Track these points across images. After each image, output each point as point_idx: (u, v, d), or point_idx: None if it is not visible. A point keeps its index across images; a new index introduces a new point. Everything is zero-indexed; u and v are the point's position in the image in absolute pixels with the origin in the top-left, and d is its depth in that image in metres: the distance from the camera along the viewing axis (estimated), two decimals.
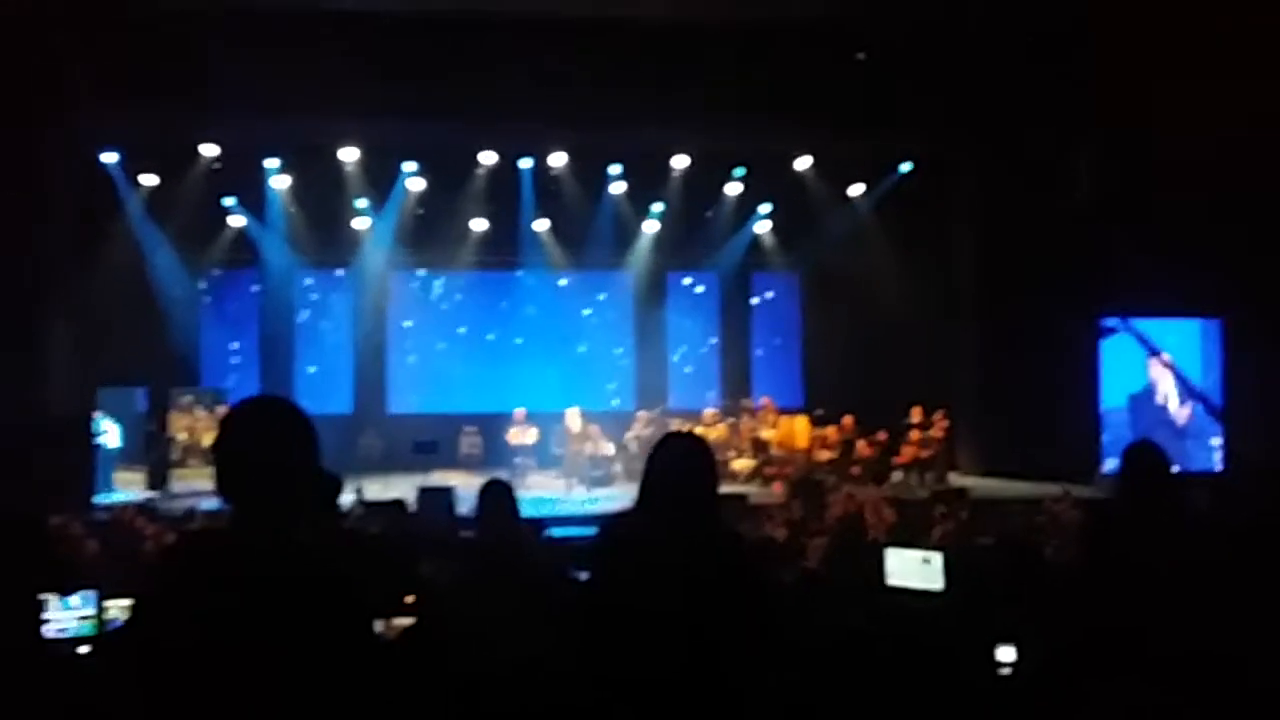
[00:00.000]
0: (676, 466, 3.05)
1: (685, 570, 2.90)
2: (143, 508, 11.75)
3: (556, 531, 7.87)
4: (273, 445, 2.33)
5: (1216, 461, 15.28)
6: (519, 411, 16.38)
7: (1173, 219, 13.68)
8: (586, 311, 19.59)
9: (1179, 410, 15.55)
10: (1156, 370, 15.58)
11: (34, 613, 4.78)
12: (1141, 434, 14.92)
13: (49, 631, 5.40)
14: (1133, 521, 3.96)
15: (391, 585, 5.79)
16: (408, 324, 19.27)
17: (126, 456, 16.11)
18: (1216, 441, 15.45)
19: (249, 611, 2.17)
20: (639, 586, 2.92)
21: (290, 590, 2.22)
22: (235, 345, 18.51)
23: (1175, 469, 4.24)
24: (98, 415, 14.92)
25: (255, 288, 18.57)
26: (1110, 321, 15.30)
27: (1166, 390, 15.62)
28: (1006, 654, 5.39)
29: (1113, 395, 15.59)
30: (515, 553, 4.66)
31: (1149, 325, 15.58)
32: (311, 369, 18.67)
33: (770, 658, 3.08)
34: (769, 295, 20.22)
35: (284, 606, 2.20)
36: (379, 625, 5.03)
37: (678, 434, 3.26)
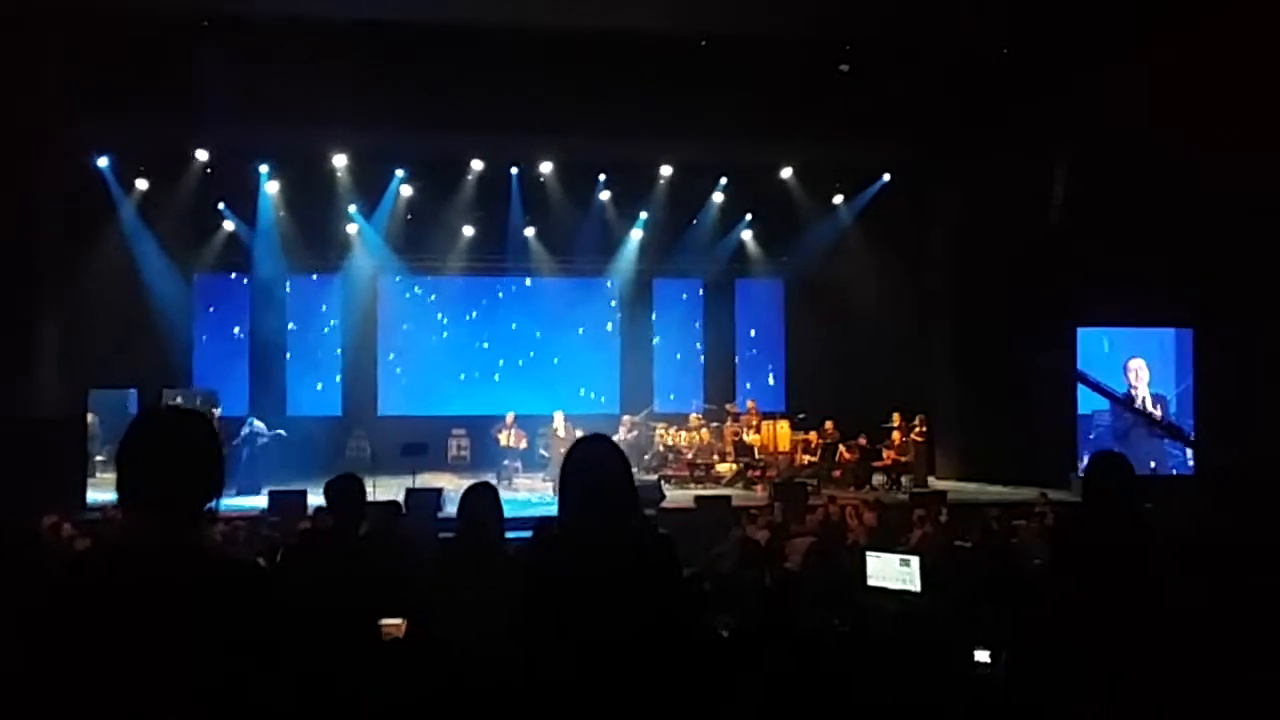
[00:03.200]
0: (587, 468, 3.13)
1: (604, 568, 2.98)
2: None
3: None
4: (178, 456, 2.34)
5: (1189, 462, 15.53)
6: (510, 415, 16.60)
7: (1145, 229, 13.90)
8: (573, 316, 19.76)
9: (1154, 412, 15.80)
10: (1134, 374, 15.82)
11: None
12: (1122, 436, 15.20)
13: None
14: (1094, 528, 4.08)
15: (382, 585, 5.93)
16: (397, 328, 19.42)
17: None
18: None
19: (143, 617, 2.18)
20: (565, 588, 3.00)
21: (181, 593, 2.23)
22: (227, 347, 18.62)
23: (1140, 473, 4.34)
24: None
25: (246, 290, 18.70)
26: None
27: (1144, 394, 15.87)
28: (982, 655, 5.57)
29: (1095, 398, 15.81)
30: (493, 555, 4.68)
31: (1122, 334, 15.85)
32: (301, 372, 18.79)
33: (694, 651, 3.17)
34: (752, 301, 20.42)
35: (176, 609, 2.21)
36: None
37: (587, 437, 3.29)
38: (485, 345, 19.53)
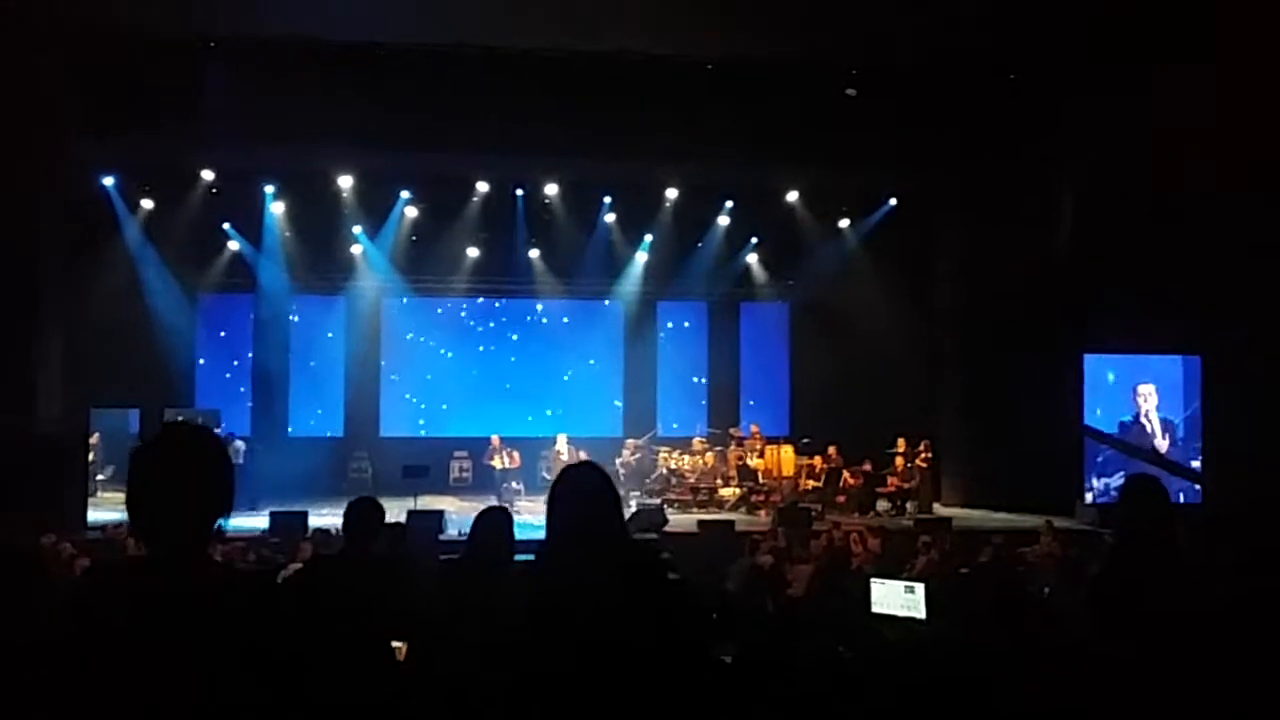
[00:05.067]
0: (572, 498, 3.10)
1: (587, 593, 2.93)
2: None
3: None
4: (185, 477, 2.33)
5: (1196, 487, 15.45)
6: (495, 438, 16.52)
7: (1152, 255, 13.87)
8: (577, 339, 19.72)
9: (1160, 441, 15.74)
10: (1143, 398, 15.77)
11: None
12: (1130, 460, 15.12)
13: None
14: (1131, 554, 3.97)
15: (386, 606, 5.87)
16: (401, 349, 19.39)
17: (119, 477, 16.26)
18: (1196, 464, 15.66)
19: (156, 641, 2.17)
20: (552, 612, 2.96)
21: (191, 609, 2.22)
22: (230, 367, 18.62)
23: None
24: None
25: (249, 311, 18.70)
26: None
27: (1152, 420, 15.81)
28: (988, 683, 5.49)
29: (1101, 422, 15.71)
30: (499, 579, 4.58)
31: (1130, 360, 15.81)
32: (304, 392, 18.76)
33: (704, 672, 3.12)
34: (757, 325, 20.38)
35: (191, 634, 2.19)
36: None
37: (572, 465, 3.26)
38: (489, 367, 19.47)
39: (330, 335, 19.04)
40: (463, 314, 19.57)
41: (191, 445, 2.40)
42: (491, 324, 19.73)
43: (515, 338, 19.71)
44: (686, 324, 20.25)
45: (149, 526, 2.32)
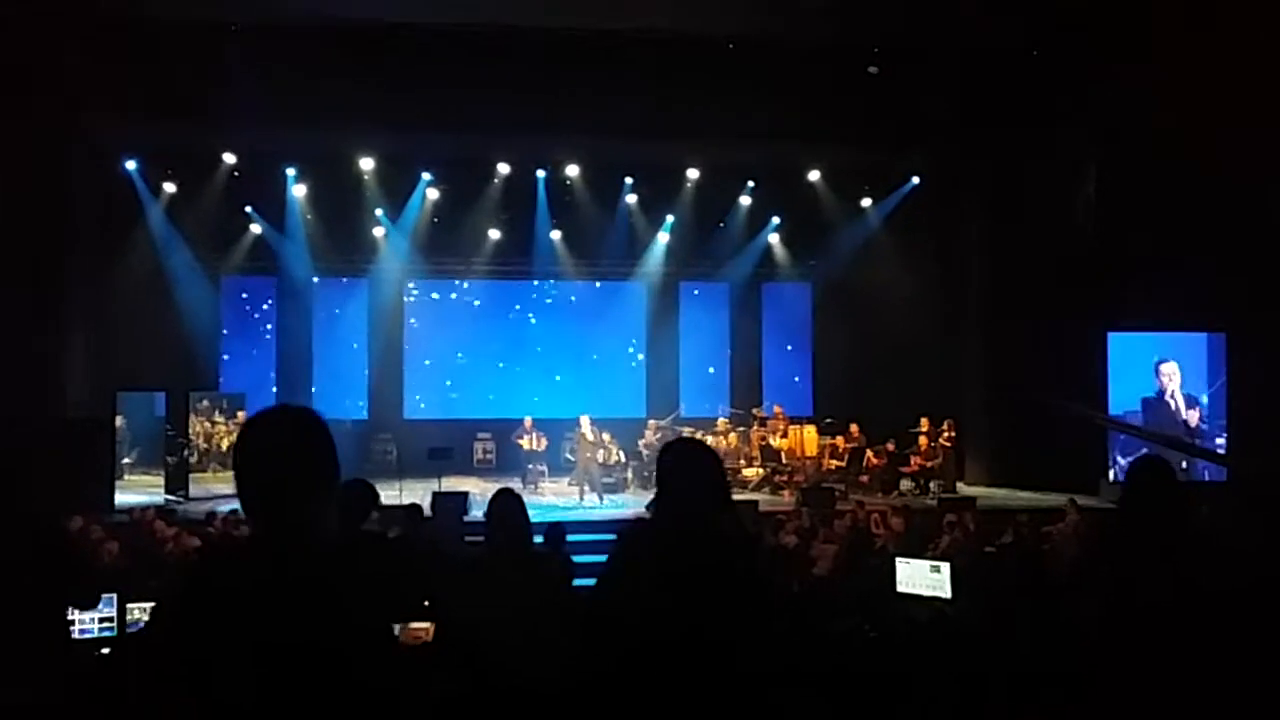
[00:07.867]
0: (682, 470, 3.10)
1: (694, 575, 2.93)
2: (162, 510, 11.96)
3: (572, 538, 7.97)
4: (293, 455, 2.34)
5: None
6: (528, 420, 16.60)
7: (1177, 233, 13.75)
8: (599, 320, 19.71)
9: (1188, 414, 15.65)
10: (1166, 375, 15.69)
11: (61, 616, 4.81)
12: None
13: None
14: (1135, 537, 3.97)
15: (407, 590, 5.90)
16: (424, 331, 19.43)
17: (145, 460, 16.39)
18: (1221, 440, 15.58)
19: (275, 620, 2.20)
20: (650, 592, 2.96)
21: (315, 598, 2.25)
22: (253, 351, 18.69)
23: (1181, 479, 4.20)
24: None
25: (273, 294, 18.78)
26: None
27: (1176, 395, 15.73)
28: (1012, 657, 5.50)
29: (1126, 398, 15.65)
30: (521, 562, 4.66)
31: (1155, 338, 15.73)
32: (328, 375, 18.83)
33: (778, 661, 3.11)
34: (779, 305, 20.31)
35: (309, 614, 2.22)
36: (396, 630, 5.11)
37: (682, 439, 3.28)
38: (511, 349, 19.49)
39: (353, 318, 19.07)
40: (484, 295, 19.56)
41: (303, 424, 2.41)
42: (514, 305, 19.73)
43: (537, 319, 19.71)
44: (710, 301, 20.11)
45: (265, 505, 2.34)
